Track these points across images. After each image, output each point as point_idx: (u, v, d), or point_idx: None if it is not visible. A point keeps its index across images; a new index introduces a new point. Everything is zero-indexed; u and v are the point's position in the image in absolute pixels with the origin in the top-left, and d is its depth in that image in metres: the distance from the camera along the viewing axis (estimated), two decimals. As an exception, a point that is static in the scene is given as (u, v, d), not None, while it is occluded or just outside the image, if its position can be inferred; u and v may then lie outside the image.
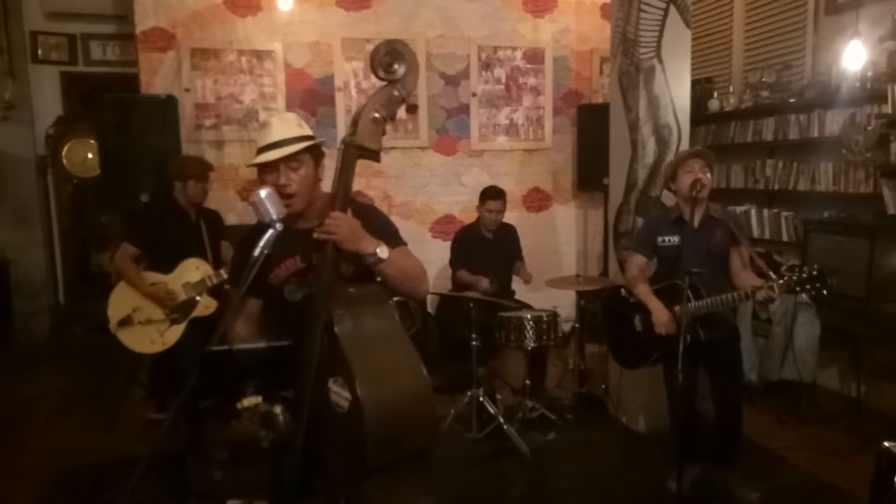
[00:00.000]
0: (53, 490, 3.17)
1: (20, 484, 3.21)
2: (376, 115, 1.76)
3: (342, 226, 1.68)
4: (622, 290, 3.23)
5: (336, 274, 1.74)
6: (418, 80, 1.85)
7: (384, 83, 1.79)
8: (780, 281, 2.58)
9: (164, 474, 3.06)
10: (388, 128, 1.84)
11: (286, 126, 1.79)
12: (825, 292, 2.51)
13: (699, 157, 2.94)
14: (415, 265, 1.87)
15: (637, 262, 3.10)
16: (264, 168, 1.77)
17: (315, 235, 1.70)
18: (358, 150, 1.76)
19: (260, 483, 2.02)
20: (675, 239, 2.95)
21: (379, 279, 1.82)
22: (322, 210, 1.85)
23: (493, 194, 4.33)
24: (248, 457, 2.94)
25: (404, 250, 1.87)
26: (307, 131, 1.83)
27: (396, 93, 1.78)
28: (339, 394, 1.62)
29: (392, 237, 1.88)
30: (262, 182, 1.78)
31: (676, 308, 2.83)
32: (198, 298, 3.45)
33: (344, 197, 1.75)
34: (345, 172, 1.75)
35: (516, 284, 4.51)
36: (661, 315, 2.89)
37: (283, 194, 1.74)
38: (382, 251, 1.72)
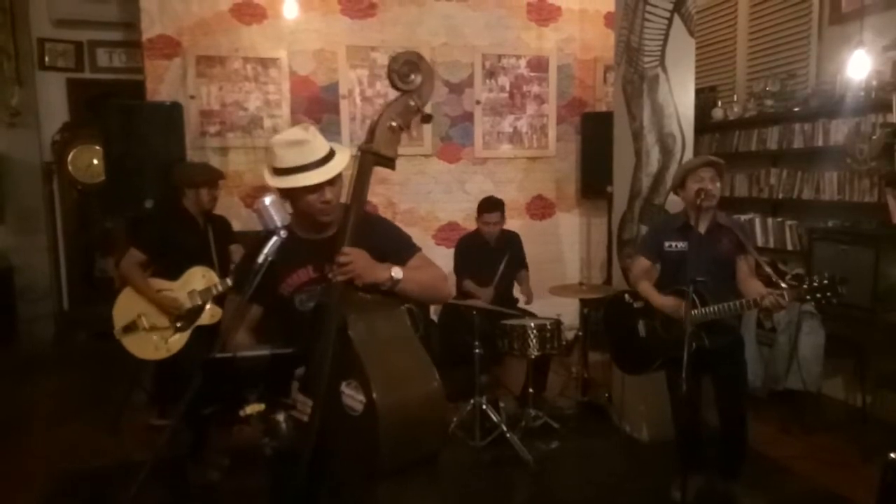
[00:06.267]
0: (55, 494, 3.17)
1: (22, 487, 3.21)
2: (393, 123, 1.79)
3: (356, 262, 1.69)
4: (626, 296, 3.22)
5: (350, 281, 1.75)
6: (433, 91, 1.87)
7: (400, 93, 1.81)
8: (791, 289, 2.57)
9: (166, 480, 3.05)
10: (395, 135, 1.86)
11: (321, 142, 1.79)
12: (835, 301, 2.49)
13: (710, 167, 2.93)
14: (431, 274, 1.88)
15: (641, 265, 3.09)
16: (306, 187, 1.75)
17: (330, 276, 1.71)
18: (375, 158, 1.78)
19: (261, 490, 2.01)
20: (682, 244, 2.94)
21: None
22: (336, 220, 1.86)
23: (487, 206, 4.30)
24: (250, 464, 2.95)
25: (419, 258, 1.89)
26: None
27: (413, 103, 1.81)
28: (352, 397, 1.63)
29: (405, 246, 1.90)
30: (290, 200, 1.80)
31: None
32: (207, 305, 3.44)
33: (360, 202, 1.76)
34: (361, 179, 1.77)
35: (518, 292, 4.50)
36: (668, 304, 2.87)
37: (326, 209, 1.78)
38: (397, 273, 1.74)
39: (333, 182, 1.78)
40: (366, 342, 1.66)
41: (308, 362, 1.68)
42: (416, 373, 1.73)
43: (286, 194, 1.81)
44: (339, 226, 1.83)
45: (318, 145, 1.77)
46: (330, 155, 1.78)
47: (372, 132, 1.79)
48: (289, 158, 1.74)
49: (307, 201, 1.77)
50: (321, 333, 1.67)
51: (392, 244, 1.88)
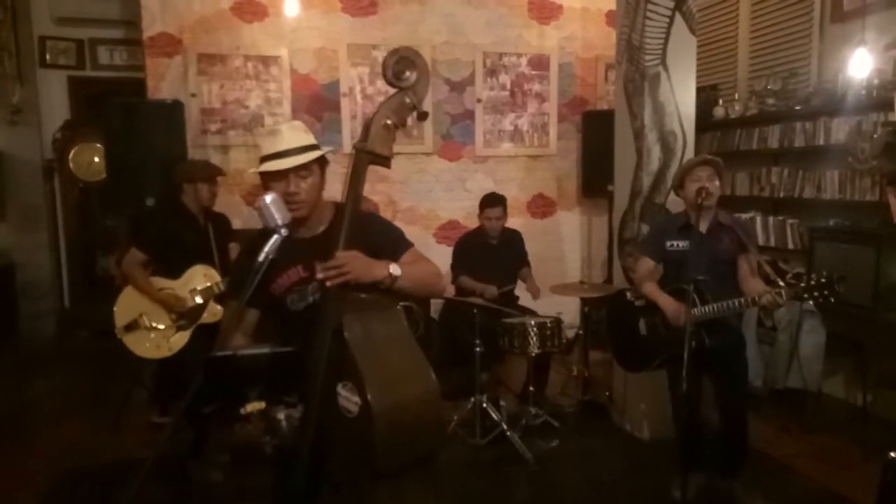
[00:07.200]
0: (56, 492, 3.17)
1: (23, 486, 3.22)
2: (388, 121, 1.77)
3: (351, 264, 1.67)
4: (627, 294, 3.23)
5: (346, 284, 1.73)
6: (429, 88, 1.86)
7: (396, 90, 1.79)
8: (789, 288, 2.57)
9: (167, 478, 3.06)
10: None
11: (295, 134, 1.79)
12: (833, 300, 2.49)
13: (707, 166, 2.94)
14: (427, 269, 1.87)
15: (645, 264, 3.09)
16: (272, 175, 1.77)
17: (329, 284, 1.67)
18: (370, 156, 1.76)
19: (262, 488, 2.01)
20: (683, 244, 2.94)
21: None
22: (324, 218, 1.85)
23: (490, 201, 4.31)
24: (250, 462, 2.95)
25: (412, 254, 1.87)
26: (313, 140, 1.84)
27: (408, 100, 1.79)
28: (348, 399, 1.62)
29: (398, 241, 1.88)
30: (267, 189, 1.78)
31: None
32: (199, 300, 3.44)
33: (355, 201, 1.75)
34: (356, 177, 1.75)
35: (520, 290, 4.50)
36: (670, 307, 2.87)
37: (291, 202, 1.74)
38: (395, 270, 1.73)
39: (303, 175, 1.76)
40: (361, 344, 1.65)
41: (304, 363, 1.68)
42: (411, 373, 1.72)
43: (263, 185, 1.81)
44: (329, 223, 1.82)
45: (291, 137, 1.77)
46: (303, 149, 1.76)
47: (367, 130, 1.77)
48: (265, 147, 1.77)
49: (275, 191, 1.74)
50: (317, 334, 1.66)
51: (386, 240, 1.87)
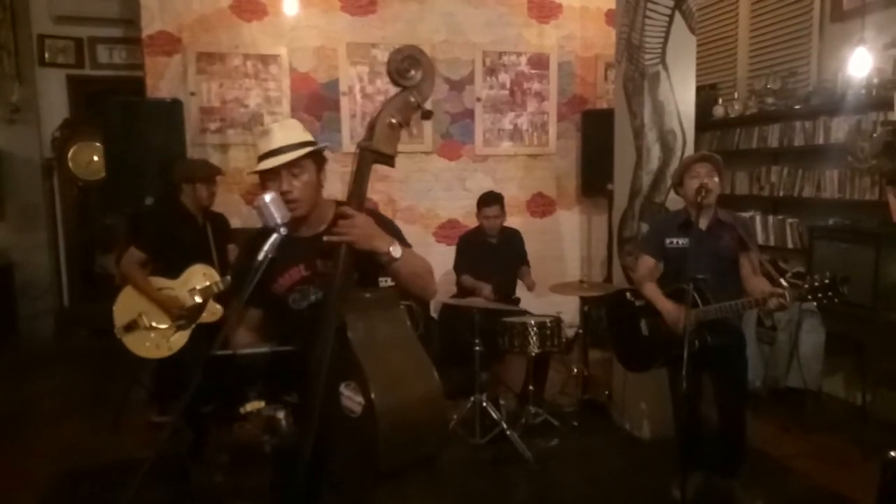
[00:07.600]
0: (56, 492, 3.17)
1: (22, 486, 3.22)
2: (392, 120, 1.76)
3: (356, 225, 1.67)
4: (627, 294, 3.22)
5: (349, 278, 1.73)
6: (434, 87, 1.85)
7: (400, 89, 1.79)
8: (792, 289, 2.57)
9: (166, 478, 3.06)
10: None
11: (287, 132, 1.79)
12: (836, 301, 2.48)
13: (705, 162, 2.94)
14: (424, 265, 1.87)
15: (646, 263, 3.09)
16: (267, 175, 1.77)
17: (326, 238, 1.68)
18: (374, 155, 1.75)
19: (261, 488, 2.01)
20: (683, 241, 2.94)
21: (388, 281, 1.82)
22: (325, 217, 1.85)
23: (487, 200, 4.32)
24: (249, 461, 2.95)
25: (409, 253, 1.87)
26: (308, 137, 1.83)
27: (412, 99, 1.78)
28: (351, 398, 1.62)
29: (398, 239, 1.88)
30: (264, 188, 1.77)
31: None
32: (207, 303, 3.44)
33: (359, 200, 1.74)
34: (360, 176, 1.74)
35: (520, 290, 4.50)
36: (670, 312, 2.87)
37: (286, 200, 1.74)
38: (396, 250, 1.72)
39: (296, 173, 1.76)
40: (365, 343, 1.64)
41: (307, 362, 1.67)
42: (415, 374, 1.72)
43: (261, 185, 1.81)
44: (330, 222, 1.81)
45: (282, 135, 1.77)
46: (294, 146, 1.76)
47: (371, 129, 1.77)
48: (260, 146, 1.79)
49: (271, 190, 1.74)
50: (320, 334, 1.66)
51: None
